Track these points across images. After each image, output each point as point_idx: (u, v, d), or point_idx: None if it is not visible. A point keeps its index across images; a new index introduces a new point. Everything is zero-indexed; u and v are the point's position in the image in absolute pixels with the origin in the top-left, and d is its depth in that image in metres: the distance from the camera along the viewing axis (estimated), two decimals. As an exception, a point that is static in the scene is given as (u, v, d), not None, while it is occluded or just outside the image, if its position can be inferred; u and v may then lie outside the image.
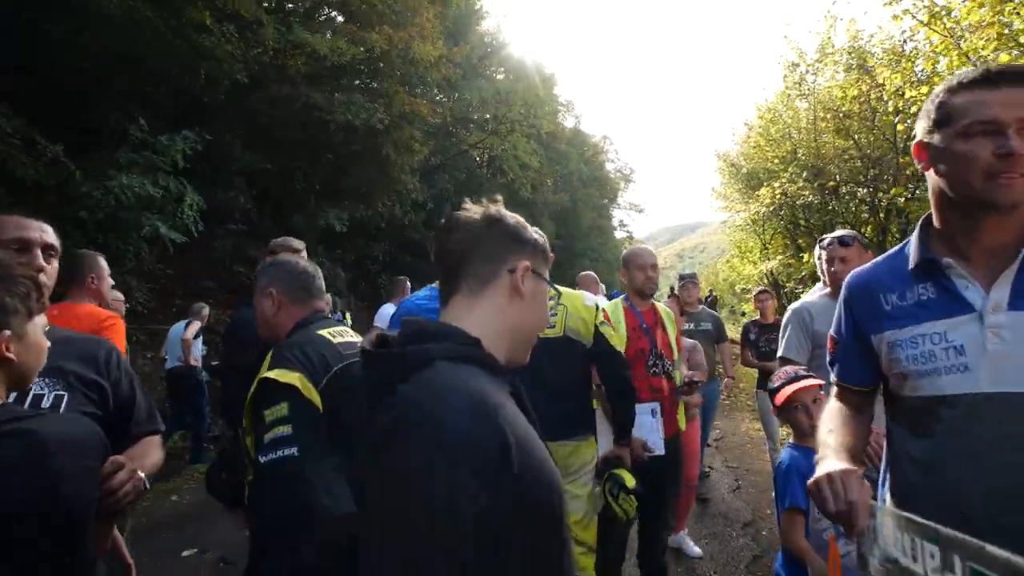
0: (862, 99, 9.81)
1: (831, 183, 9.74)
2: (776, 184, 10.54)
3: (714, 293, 19.88)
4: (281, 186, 11.28)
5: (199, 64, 7.74)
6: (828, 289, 2.64)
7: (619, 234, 39.22)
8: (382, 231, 14.29)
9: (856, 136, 10.24)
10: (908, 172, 8.90)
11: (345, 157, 11.85)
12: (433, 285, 1.86)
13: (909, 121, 6.79)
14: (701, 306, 5.16)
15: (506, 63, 22.57)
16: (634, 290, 2.89)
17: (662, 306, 3.03)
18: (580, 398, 2.47)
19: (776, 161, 11.16)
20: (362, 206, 12.22)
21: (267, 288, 1.76)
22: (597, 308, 2.46)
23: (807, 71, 10.44)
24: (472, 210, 0.99)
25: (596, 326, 2.42)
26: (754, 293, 5.45)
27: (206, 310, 6.67)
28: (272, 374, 1.49)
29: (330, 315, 2.25)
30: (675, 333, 3.01)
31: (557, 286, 1.38)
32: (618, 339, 2.56)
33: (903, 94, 6.44)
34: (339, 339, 1.70)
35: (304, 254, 2.82)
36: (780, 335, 2.73)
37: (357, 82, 11.89)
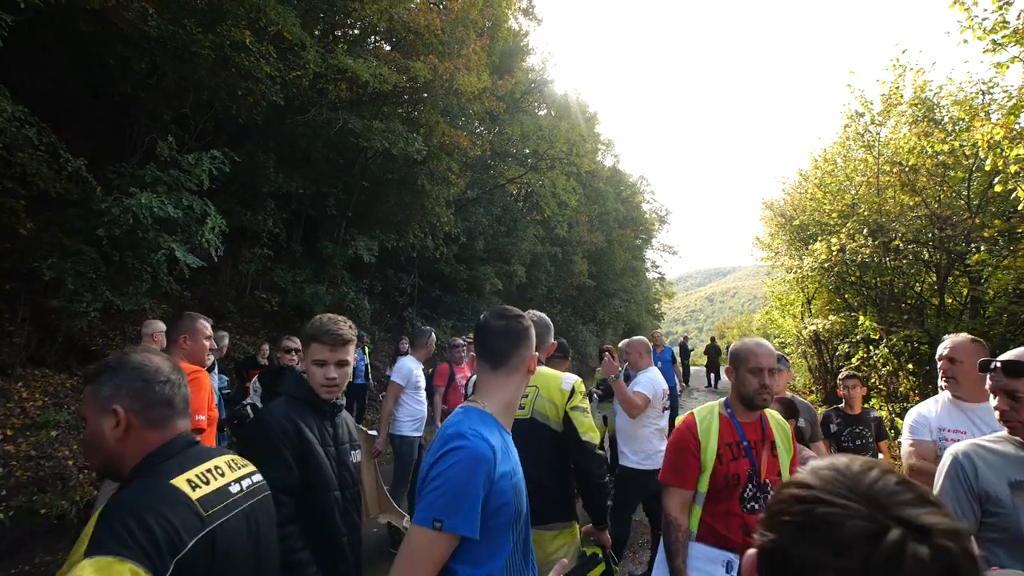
0: (931, 154, 9.14)
1: (896, 242, 8.95)
2: (834, 239, 9.82)
3: (715, 344, 19.03)
4: (312, 211, 11.02)
5: (236, 83, 7.53)
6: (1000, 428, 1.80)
7: (650, 275, 38.52)
8: (411, 262, 13.94)
9: (923, 193, 9.52)
10: (985, 234, 8.13)
11: (380, 185, 11.59)
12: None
13: (1009, 183, 6.08)
14: (791, 394, 3.86)
15: (549, 100, 22.40)
16: (740, 397, 2.23)
17: (776, 417, 2.35)
18: (556, 482, 2.39)
19: (834, 215, 10.42)
20: (393, 236, 11.89)
21: (110, 402, 1.21)
22: (573, 392, 2.39)
23: (871, 122, 9.79)
24: None
25: (567, 411, 2.36)
26: (841, 377, 4.36)
27: (226, 340, 6.12)
28: (88, 569, 0.96)
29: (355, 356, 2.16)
30: (791, 455, 2.30)
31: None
32: (590, 428, 2.38)
33: (1001, 150, 5.73)
34: (203, 489, 1.19)
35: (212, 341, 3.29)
36: (935, 482, 1.84)
37: (399, 111, 11.71)
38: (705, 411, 2.28)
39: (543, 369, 2.50)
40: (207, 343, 3.27)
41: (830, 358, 16.07)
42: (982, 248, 8.18)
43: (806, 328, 13.48)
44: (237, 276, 9.97)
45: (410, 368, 4.94)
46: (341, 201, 11.11)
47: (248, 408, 5.20)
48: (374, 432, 4.55)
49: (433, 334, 4.98)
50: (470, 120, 14.56)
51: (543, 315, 2.77)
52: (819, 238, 10.94)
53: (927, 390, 8.98)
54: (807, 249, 11.55)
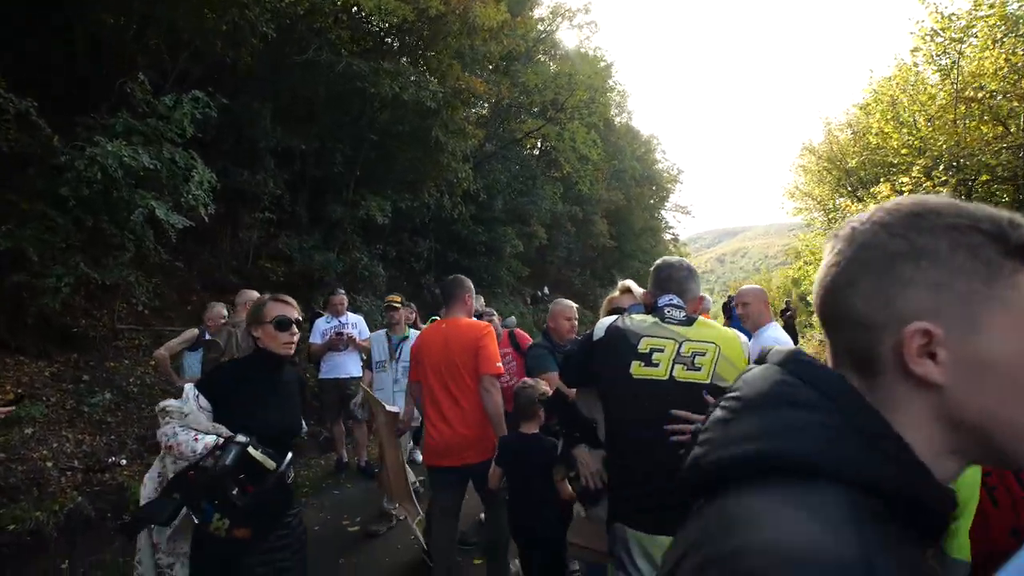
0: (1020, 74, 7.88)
1: (983, 176, 7.82)
2: (904, 178, 8.66)
3: (792, 307, 17.65)
4: (317, 170, 9.95)
5: (222, 14, 6.41)
6: None
7: (665, 236, 37.32)
8: (427, 226, 12.89)
9: (1008, 122, 8.28)
10: None
11: (390, 139, 10.45)
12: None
13: None
14: None
15: (561, 52, 20.88)
16: None
17: None
18: None
19: (904, 151, 9.17)
20: (407, 196, 10.82)
21: None
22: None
23: (949, 40, 8.47)
24: None
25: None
26: None
27: (216, 310, 5.06)
28: None
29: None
30: None
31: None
32: None
33: None
34: None
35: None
36: None
37: (405, 59, 10.51)
38: None
39: (713, 323, 2.10)
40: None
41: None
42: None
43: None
44: (238, 244, 9.00)
45: None
46: (348, 158, 10.01)
47: None
48: (396, 408, 3.71)
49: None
50: (484, 68, 13.31)
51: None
52: (882, 179, 9.78)
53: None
54: (867, 192, 10.40)
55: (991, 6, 8.16)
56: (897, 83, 10.23)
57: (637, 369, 1.93)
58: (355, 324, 5.82)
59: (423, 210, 11.83)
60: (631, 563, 1.87)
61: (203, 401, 2.10)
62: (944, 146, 8.37)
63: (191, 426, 2.01)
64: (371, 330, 5.81)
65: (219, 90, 6.56)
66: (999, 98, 8.26)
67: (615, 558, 1.95)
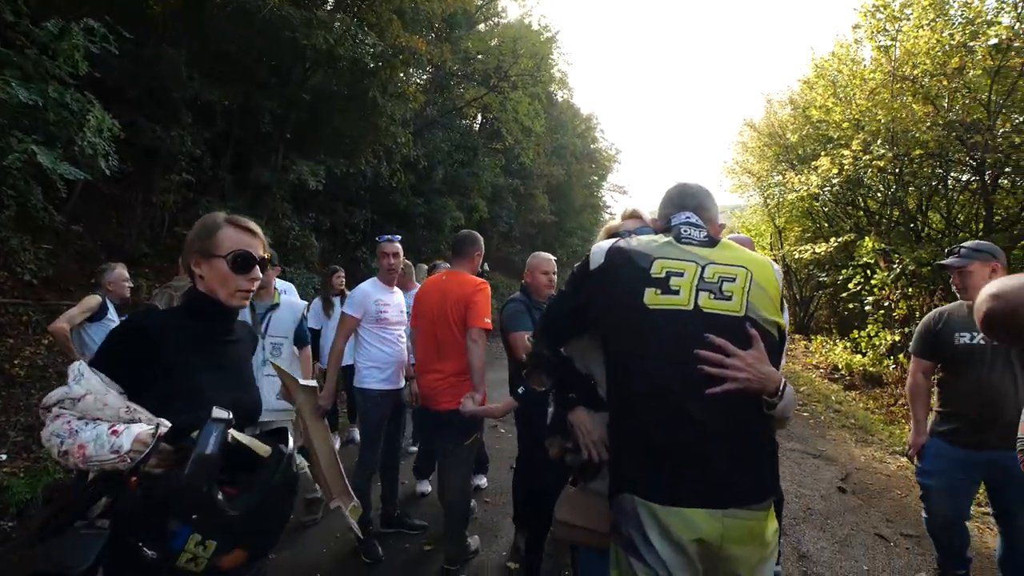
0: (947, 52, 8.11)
1: (916, 151, 8.07)
2: (846, 152, 8.81)
3: None
4: (243, 129, 9.03)
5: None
6: None
7: (604, 215, 37.74)
8: (363, 196, 12.14)
9: (937, 101, 8.51)
10: (1016, 140, 7.28)
11: (324, 99, 9.64)
12: None
13: None
14: None
15: (503, 19, 20.21)
16: None
17: None
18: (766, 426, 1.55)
19: (845, 126, 9.33)
20: (343, 161, 10.07)
21: None
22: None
23: (888, 18, 8.59)
24: None
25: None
26: None
27: (117, 272, 4.06)
28: None
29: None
30: None
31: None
32: None
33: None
34: None
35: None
36: None
37: (340, 14, 9.66)
38: None
39: (739, 245, 1.68)
40: None
41: (799, 289, 15.67)
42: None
43: (790, 257, 12.75)
44: (151, 210, 8.03)
45: (366, 293, 3.54)
46: (278, 117, 9.14)
47: None
48: (312, 382, 3.01)
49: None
50: (427, 29, 12.54)
51: None
52: (822, 154, 9.94)
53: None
54: (807, 166, 10.58)
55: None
56: (839, 59, 10.41)
57: (653, 297, 1.50)
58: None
59: (359, 178, 11.10)
60: (644, 543, 1.42)
61: (104, 378, 1.31)
62: (882, 121, 8.55)
63: (93, 414, 1.26)
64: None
65: (125, 28, 5.66)
66: (929, 79, 8.45)
67: (622, 537, 1.48)
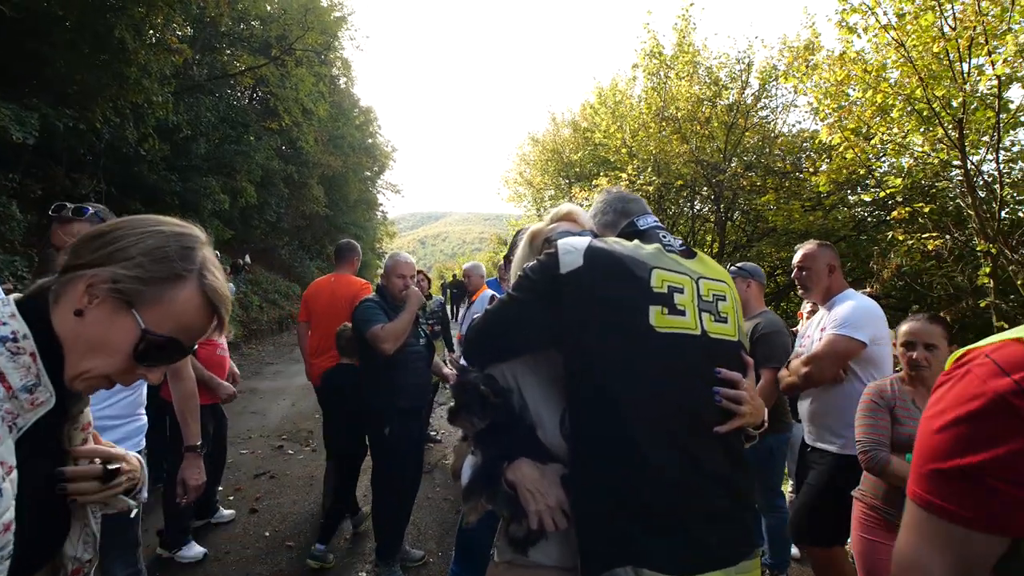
0: (698, 103, 9.66)
1: (677, 182, 9.43)
2: (623, 175, 9.76)
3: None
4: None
5: None
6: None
7: (377, 213, 36.82)
8: (97, 162, 9.59)
9: (691, 141, 9.96)
10: (744, 183, 8.92)
11: (44, 26, 7.32)
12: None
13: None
14: None
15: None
16: None
17: None
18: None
19: (623, 151, 10.36)
20: (69, 112, 7.75)
21: None
22: None
23: (661, 65, 9.84)
24: None
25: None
26: None
27: None
28: None
29: None
30: None
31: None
32: None
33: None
34: None
35: None
36: None
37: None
38: None
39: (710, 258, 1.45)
40: None
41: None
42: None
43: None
44: None
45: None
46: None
47: None
48: None
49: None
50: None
51: None
52: (602, 174, 10.93)
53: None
54: (587, 184, 11.49)
55: (684, 50, 9.85)
56: (620, 92, 11.60)
57: (660, 319, 1.19)
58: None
59: (92, 138, 8.71)
60: None
61: None
62: (653, 152, 9.69)
63: None
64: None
65: None
66: (686, 122, 9.88)
67: None
